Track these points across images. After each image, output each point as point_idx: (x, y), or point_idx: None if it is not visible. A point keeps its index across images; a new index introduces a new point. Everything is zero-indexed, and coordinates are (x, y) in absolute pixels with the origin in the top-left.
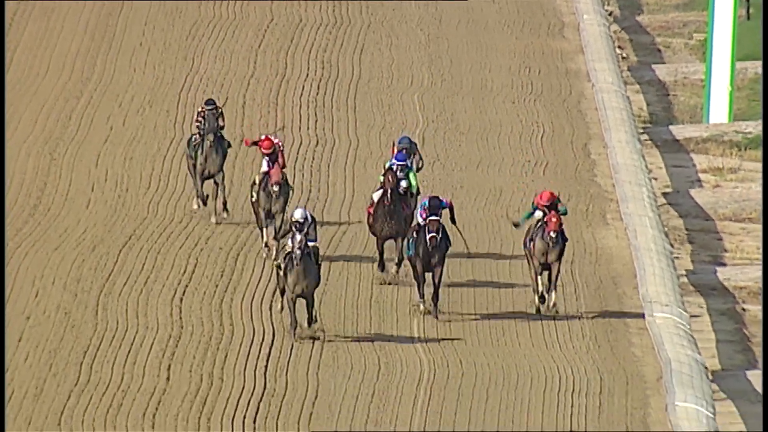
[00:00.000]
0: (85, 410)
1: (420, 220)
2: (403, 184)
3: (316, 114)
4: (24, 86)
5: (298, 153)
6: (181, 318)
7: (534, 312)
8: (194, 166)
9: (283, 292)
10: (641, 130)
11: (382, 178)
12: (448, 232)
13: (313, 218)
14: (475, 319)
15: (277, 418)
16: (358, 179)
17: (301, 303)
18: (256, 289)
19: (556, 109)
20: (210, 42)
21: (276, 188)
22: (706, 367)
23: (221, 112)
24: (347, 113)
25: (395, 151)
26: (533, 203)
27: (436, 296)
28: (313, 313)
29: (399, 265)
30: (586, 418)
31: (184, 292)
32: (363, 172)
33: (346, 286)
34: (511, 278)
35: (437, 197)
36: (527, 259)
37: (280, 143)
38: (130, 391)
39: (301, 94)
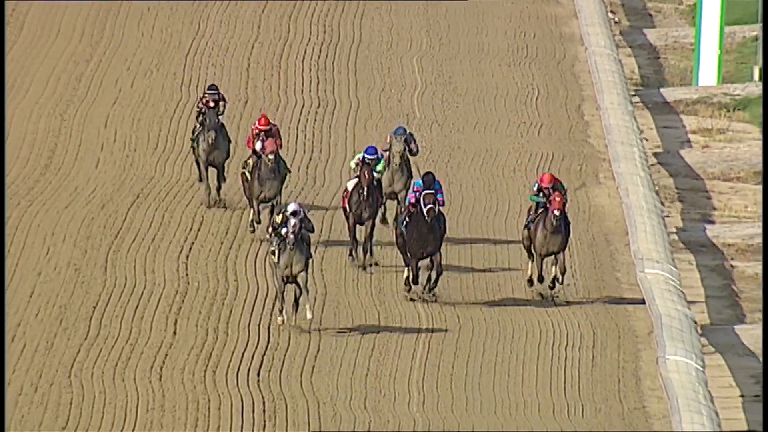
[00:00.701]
0: (94, 363)
1: (409, 199)
2: (375, 175)
3: (317, 77)
4: (35, 50)
5: (300, 114)
6: (187, 274)
7: (533, 294)
8: (197, 157)
9: (275, 277)
10: (633, 93)
11: (353, 165)
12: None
13: (305, 213)
14: (472, 278)
15: (281, 371)
16: (358, 139)
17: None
18: (260, 246)
19: (550, 71)
20: (215, 7)
21: (271, 157)
22: (695, 322)
23: (222, 96)
24: (348, 76)
25: (390, 140)
26: (536, 185)
27: (439, 272)
28: (305, 298)
29: (371, 253)
30: (580, 371)
31: (191, 249)
32: (363, 133)
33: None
34: (507, 236)
35: (430, 173)
36: (523, 244)
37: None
38: (137, 345)
39: (304, 58)
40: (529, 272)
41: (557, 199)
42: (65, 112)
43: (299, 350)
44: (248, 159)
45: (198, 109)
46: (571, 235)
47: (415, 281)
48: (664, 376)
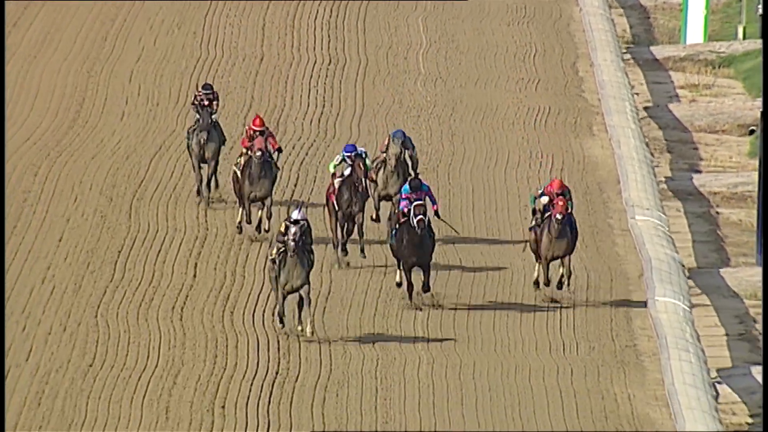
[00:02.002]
0: (119, 304)
1: (403, 209)
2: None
3: (329, 35)
4: (64, 11)
5: (312, 71)
6: (206, 221)
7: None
8: (191, 155)
9: (275, 286)
10: (624, 50)
11: (332, 168)
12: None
13: (308, 223)
14: (468, 224)
15: (294, 310)
16: (367, 94)
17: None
18: (275, 194)
19: (547, 30)
20: None
21: (258, 154)
22: (683, 265)
23: (217, 95)
24: (357, 34)
25: (389, 141)
26: (542, 191)
27: (427, 287)
28: (306, 312)
29: (362, 247)
30: (574, 312)
31: (211, 197)
32: (372, 88)
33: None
34: (507, 186)
35: (417, 178)
36: (530, 245)
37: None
38: (160, 287)
39: (316, 17)
40: (535, 275)
41: (560, 203)
42: (92, 68)
43: (313, 293)
44: (239, 158)
45: (193, 106)
46: (578, 239)
47: (410, 289)
48: (654, 316)
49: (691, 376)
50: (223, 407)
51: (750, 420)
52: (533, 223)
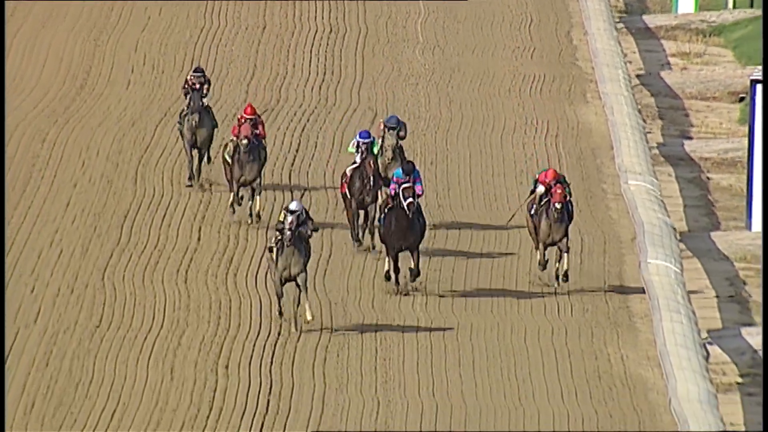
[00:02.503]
0: (125, 267)
1: (391, 191)
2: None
3: (329, 5)
4: None
5: (314, 39)
6: (210, 186)
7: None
8: (184, 141)
9: (273, 275)
10: (617, 20)
11: (352, 149)
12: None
13: (307, 212)
14: (465, 188)
15: None
16: (367, 62)
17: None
18: (277, 159)
19: (542, 0)
20: None
21: (245, 142)
22: (674, 229)
23: (208, 80)
24: (357, 4)
25: (382, 127)
26: (536, 180)
27: (417, 271)
28: (304, 298)
29: (372, 234)
30: (569, 274)
31: (214, 159)
32: (371, 57)
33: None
34: (503, 151)
35: (411, 162)
36: (528, 230)
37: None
38: (165, 250)
39: None
40: (539, 257)
41: (558, 191)
42: (99, 37)
43: (314, 257)
44: (227, 144)
45: (183, 90)
46: (571, 223)
47: (397, 273)
48: (646, 278)
49: (682, 337)
50: (227, 367)
51: (740, 380)
52: (532, 210)
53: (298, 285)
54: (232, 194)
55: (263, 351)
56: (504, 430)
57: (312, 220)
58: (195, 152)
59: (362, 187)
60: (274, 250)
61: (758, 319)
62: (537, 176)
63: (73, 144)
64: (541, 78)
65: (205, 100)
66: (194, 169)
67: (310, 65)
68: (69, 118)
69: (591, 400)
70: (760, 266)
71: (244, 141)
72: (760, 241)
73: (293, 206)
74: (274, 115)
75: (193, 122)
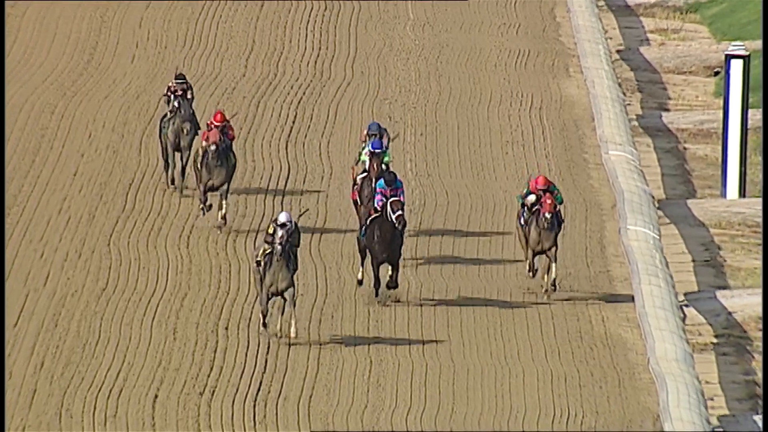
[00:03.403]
0: (130, 233)
1: (378, 204)
2: (385, 163)
3: None
4: None
5: (309, 16)
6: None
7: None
8: (166, 145)
9: (260, 288)
10: None
11: (365, 158)
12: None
13: (296, 225)
14: (453, 158)
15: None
16: (360, 38)
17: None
18: (275, 131)
19: None
20: None
21: (213, 148)
22: (652, 197)
23: (190, 86)
24: None
25: (365, 136)
26: (527, 187)
27: (395, 284)
28: (290, 312)
29: None
30: (556, 283)
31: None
32: (364, 33)
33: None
34: (490, 124)
35: (392, 172)
36: (519, 239)
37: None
38: (168, 217)
39: None
40: (527, 266)
41: (548, 201)
42: (105, 14)
43: (307, 230)
44: (198, 150)
45: (166, 96)
46: (561, 231)
47: (378, 285)
48: (626, 243)
49: (660, 300)
50: (227, 328)
51: (715, 340)
52: (521, 220)
53: (284, 299)
54: (200, 199)
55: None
56: (491, 386)
57: (300, 232)
58: (178, 156)
59: (370, 195)
60: (262, 263)
61: (733, 282)
62: (528, 183)
63: (80, 116)
64: (525, 53)
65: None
66: (178, 172)
67: (306, 40)
68: (76, 91)
69: (573, 359)
70: (734, 232)
71: (212, 147)
72: (734, 209)
73: (282, 218)
74: (272, 88)
75: (185, 129)
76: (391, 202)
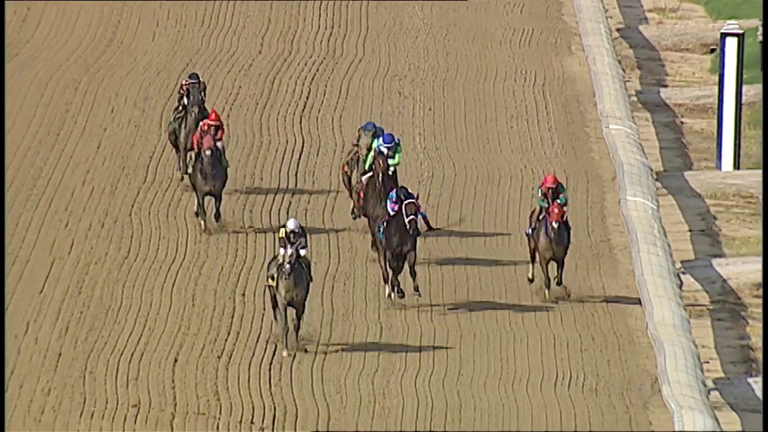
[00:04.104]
0: (151, 204)
1: (390, 210)
2: (391, 165)
3: None
4: None
5: None
6: (228, 128)
7: (545, 299)
8: (176, 140)
9: (274, 303)
10: None
11: (370, 160)
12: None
13: (303, 230)
14: (461, 132)
15: (306, 207)
16: (371, 17)
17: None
18: (289, 106)
19: None
20: None
21: (208, 153)
22: (651, 169)
23: (204, 86)
24: None
25: (360, 135)
26: (540, 189)
27: (413, 274)
28: (301, 324)
29: None
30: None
31: (231, 107)
32: (375, 11)
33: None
34: (496, 100)
35: (405, 188)
36: (529, 248)
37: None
38: (187, 188)
39: None
40: (529, 274)
41: (555, 210)
42: None
43: (320, 199)
44: (190, 155)
45: (179, 95)
46: (571, 241)
47: (395, 289)
48: (625, 214)
49: (658, 267)
50: (243, 295)
51: (710, 306)
52: (529, 230)
53: (296, 309)
54: (196, 204)
55: None
56: (496, 350)
57: (306, 237)
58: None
59: (373, 199)
60: (275, 276)
61: (728, 250)
62: (540, 185)
63: (103, 92)
64: (529, 32)
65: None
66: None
67: (319, 19)
68: (99, 68)
69: (575, 324)
70: (729, 202)
71: (208, 152)
72: (729, 180)
73: (291, 225)
74: (287, 65)
75: (192, 115)
76: (405, 205)
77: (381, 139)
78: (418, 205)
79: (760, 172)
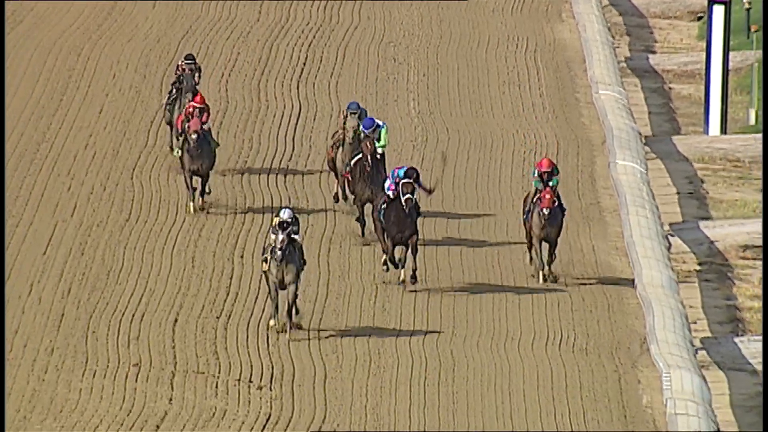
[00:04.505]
0: (152, 167)
1: (388, 191)
2: (379, 149)
3: None
4: None
5: None
6: (227, 93)
7: (537, 281)
8: (171, 121)
9: (268, 286)
10: None
11: (351, 138)
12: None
13: (296, 218)
14: (454, 98)
15: (304, 176)
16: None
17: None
18: (287, 72)
19: None
20: None
21: (194, 136)
22: (640, 133)
23: (199, 67)
24: None
25: (346, 116)
26: (535, 171)
27: (414, 266)
28: (293, 308)
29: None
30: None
31: (230, 73)
32: None
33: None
34: (488, 68)
35: (414, 168)
36: (525, 232)
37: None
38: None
39: None
40: (527, 259)
41: (546, 197)
42: None
43: (317, 163)
44: (177, 139)
45: (176, 75)
46: (564, 223)
47: (395, 264)
48: (615, 177)
49: (646, 230)
50: (242, 257)
51: (698, 267)
52: (525, 215)
53: (287, 291)
54: (185, 184)
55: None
56: (488, 311)
57: (299, 224)
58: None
59: (362, 179)
60: (269, 260)
61: (714, 213)
62: (535, 166)
63: (104, 58)
64: None
65: (197, 86)
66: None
67: None
68: (101, 35)
69: (565, 285)
70: (716, 166)
71: (194, 135)
72: (716, 144)
73: (285, 215)
74: (284, 32)
75: (187, 100)
76: (402, 184)
77: (362, 123)
78: (414, 180)
79: (746, 136)
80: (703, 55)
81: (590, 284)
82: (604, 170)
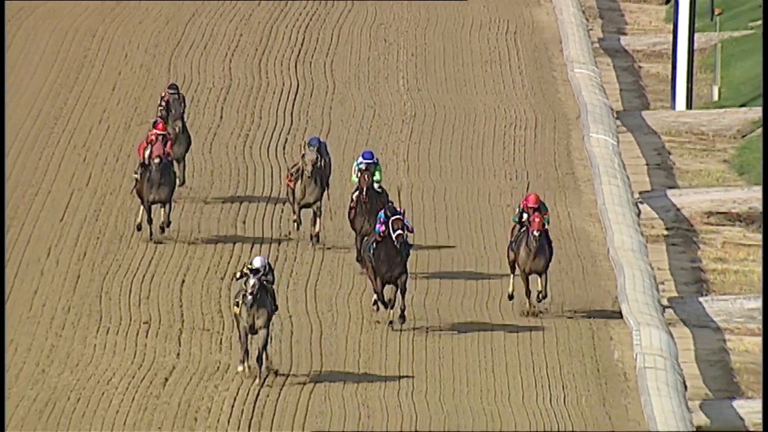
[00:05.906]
0: None
1: (378, 231)
2: (375, 184)
3: None
4: None
5: None
6: (230, 72)
7: (522, 312)
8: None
9: (239, 330)
10: None
11: (356, 179)
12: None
13: (270, 267)
14: (440, 77)
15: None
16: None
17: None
18: (286, 52)
19: None
20: None
21: (156, 161)
22: (612, 109)
23: (183, 97)
24: None
25: (306, 150)
26: (519, 207)
27: (403, 305)
28: (264, 353)
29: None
30: (525, 146)
31: (233, 53)
32: None
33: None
34: (481, 57)
35: (392, 203)
36: (509, 264)
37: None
38: (192, 127)
39: None
40: (510, 289)
41: (536, 219)
42: None
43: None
44: (138, 167)
45: (160, 107)
46: (554, 255)
47: (384, 305)
48: (588, 149)
49: (618, 198)
50: (244, 222)
51: (665, 232)
52: (510, 241)
53: (263, 336)
54: (142, 211)
55: (273, 212)
56: (471, 272)
57: (273, 273)
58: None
59: (361, 214)
60: (240, 303)
61: (681, 182)
62: (520, 203)
63: (117, 39)
64: None
65: (183, 115)
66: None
67: None
68: (114, 17)
69: None
70: (682, 139)
71: (156, 160)
72: (682, 119)
73: (257, 263)
74: (283, 15)
75: (177, 129)
76: (392, 221)
77: (361, 155)
78: (404, 220)
79: (710, 111)
80: (671, 36)
81: (566, 248)
82: (578, 143)
